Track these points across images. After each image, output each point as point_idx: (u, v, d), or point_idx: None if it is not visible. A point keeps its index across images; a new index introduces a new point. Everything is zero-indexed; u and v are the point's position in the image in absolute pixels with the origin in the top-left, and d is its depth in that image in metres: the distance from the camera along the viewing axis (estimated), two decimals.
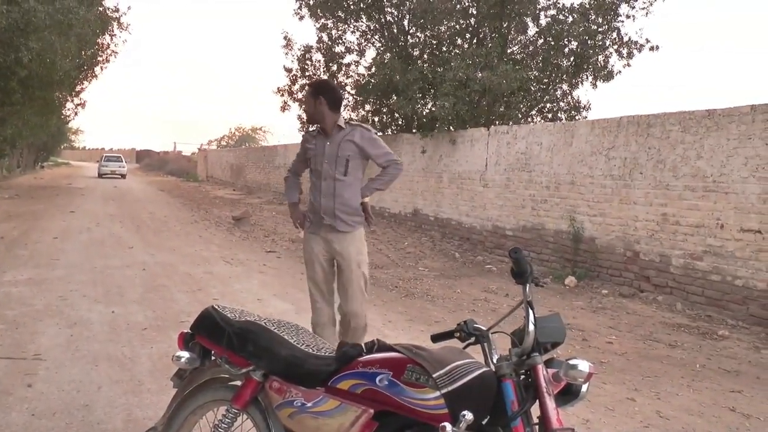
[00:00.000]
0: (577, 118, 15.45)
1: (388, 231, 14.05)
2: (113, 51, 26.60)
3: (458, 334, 2.17)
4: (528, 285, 2.08)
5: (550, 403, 1.93)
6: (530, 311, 2.01)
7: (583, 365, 1.96)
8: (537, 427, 1.98)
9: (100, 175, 41.18)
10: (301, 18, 17.76)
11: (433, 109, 14.43)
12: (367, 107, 17.49)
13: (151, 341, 5.31)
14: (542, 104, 15.89)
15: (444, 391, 1.95)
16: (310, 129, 4.42)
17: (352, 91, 17.67)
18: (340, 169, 4.18)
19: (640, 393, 4.78)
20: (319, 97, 4.18)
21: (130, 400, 4.03)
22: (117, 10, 25.02)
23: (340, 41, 17.78)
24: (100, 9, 23.38)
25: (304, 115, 18.58)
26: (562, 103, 16.10)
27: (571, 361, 1.98)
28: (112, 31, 25.44)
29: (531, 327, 1.99)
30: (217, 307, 2.61)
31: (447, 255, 11.50)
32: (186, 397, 2.64)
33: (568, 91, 16.03)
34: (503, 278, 9.47)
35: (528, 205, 10.87)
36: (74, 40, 18.79)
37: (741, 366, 5.66)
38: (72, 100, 28.98)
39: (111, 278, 7.91)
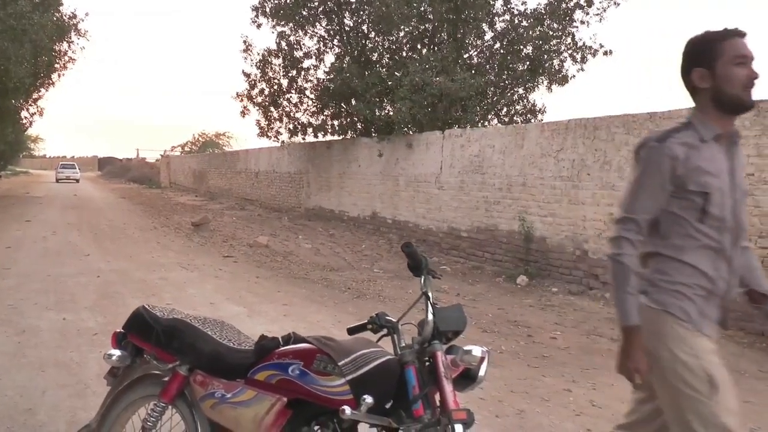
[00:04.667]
0: (532, 121, 15.77)
1: (346, 234, 14.18)
2: (71, 58, 26.18)
3: (371, 326, 2.31)
4: (423, 277, 2.23)
5: (448, 387, 2.08)
6: (428, 302, 2.16)
7: (476, 350, 2.13)
8: (438, 409, 2.13)
9: (57, 180, 48.18)
10: (259, 26, 17.76)
11: (391, 113, 14.61)
12: (327, 111, 17.57)
13: (100, 346, 5.33)
14: (498, 108, 16.16)
15: (349, 377, 2.09)
16: (676, 129, 2.21)
17: (312, 96, 17.75)
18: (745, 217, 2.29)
19: (577, 384, 4.97)
20: None
21: (75, 403, 4.08)
22: (74, 17, 24.53)
23: (299, 46, 17.84)
24: (57, 15, 22.99)
25: (261, 122, 18.60)
26: (518, 107, 16.41)
27: (466, 347, 2.14)
28: (70, 38, 25.01)
29: (430, 317, 2.14)
30: (147, 306, 2.72)
31: (403, 257, 11.61)
32: (118, 394, 2.74)
33: (523, 95, 16.36)
34: (456, 278, 9.67)
35: (482, 207, 11.09)
36: (29, 47, 18.43)
37: None
38: (28, 108, 28.45)
39: (64, 286, 7.88)
